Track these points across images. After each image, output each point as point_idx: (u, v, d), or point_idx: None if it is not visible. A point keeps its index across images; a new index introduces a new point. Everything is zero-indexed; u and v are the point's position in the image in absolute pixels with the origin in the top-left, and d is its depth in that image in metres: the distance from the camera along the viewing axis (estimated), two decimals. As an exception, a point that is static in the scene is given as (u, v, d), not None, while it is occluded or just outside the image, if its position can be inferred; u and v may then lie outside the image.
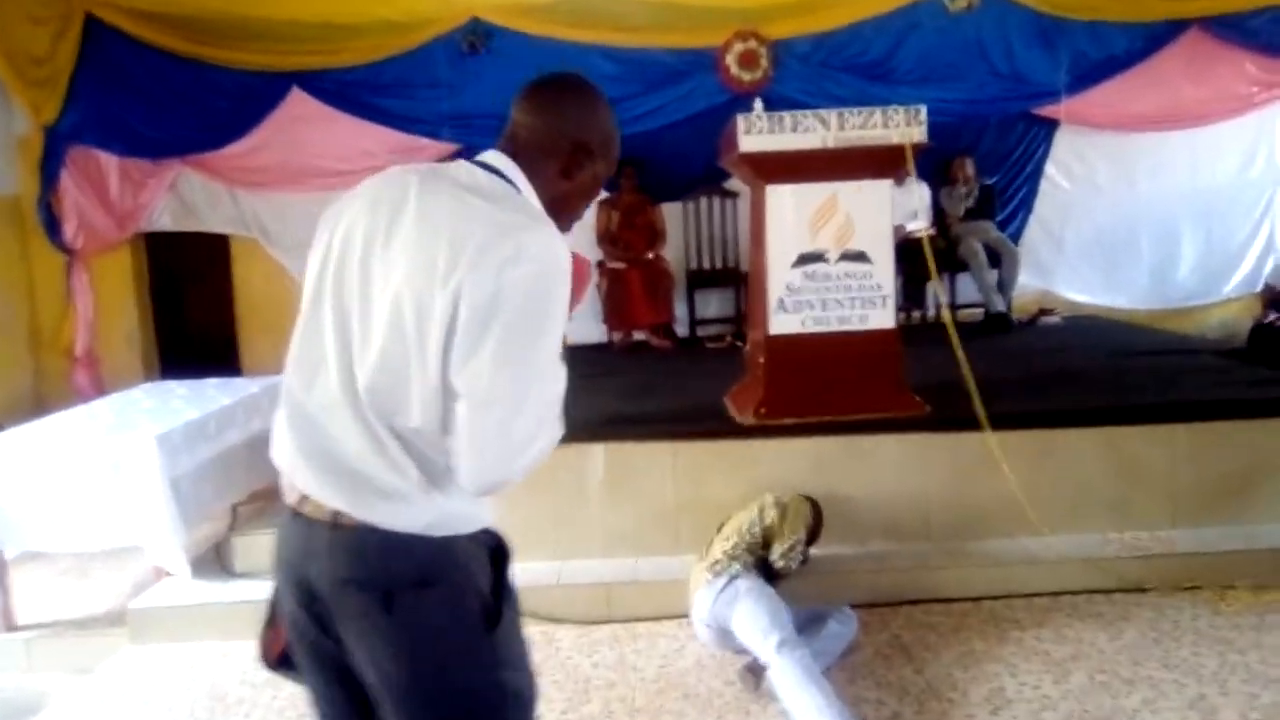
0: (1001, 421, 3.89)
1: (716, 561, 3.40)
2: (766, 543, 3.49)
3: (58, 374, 7.10)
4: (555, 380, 1.49)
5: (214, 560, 4.16)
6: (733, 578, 3.30)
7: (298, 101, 7.03)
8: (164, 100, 6.92)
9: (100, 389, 6.78)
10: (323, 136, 7.10)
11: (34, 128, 6.95)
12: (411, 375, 1.44)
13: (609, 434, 4.09)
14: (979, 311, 6.76)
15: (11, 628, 3.94)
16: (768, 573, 3.43)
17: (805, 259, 4.03)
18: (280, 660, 1.68)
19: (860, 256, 4.03)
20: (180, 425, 4.20)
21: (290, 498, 1.56)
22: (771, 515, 3.53)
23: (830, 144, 3.88)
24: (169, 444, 4.04)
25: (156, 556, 3.91)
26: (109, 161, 7.08)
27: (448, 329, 1.39)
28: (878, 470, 3.99)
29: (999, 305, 6.60)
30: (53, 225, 6.93)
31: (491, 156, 1.57)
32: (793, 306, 4.05)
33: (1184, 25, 6.89)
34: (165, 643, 3.77)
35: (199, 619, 3.79)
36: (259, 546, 4.04)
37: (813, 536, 3.72)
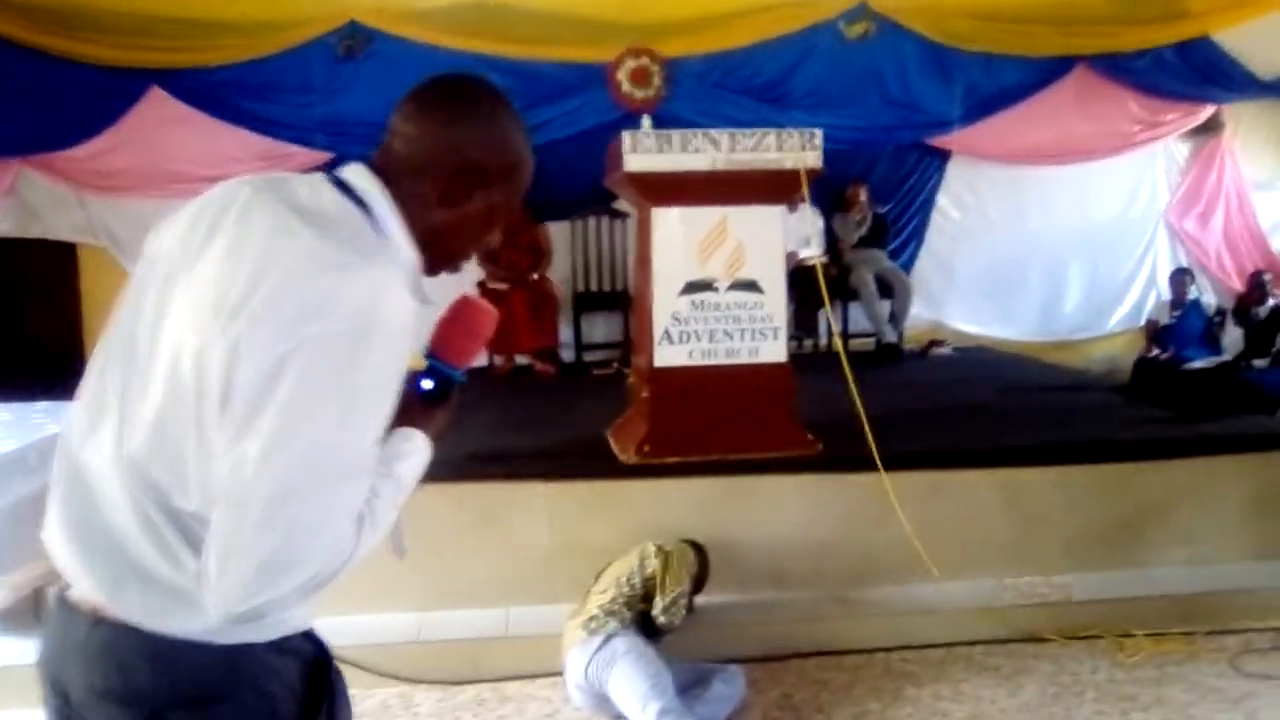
0: (895, 461, 3.69)
1: (592, 618, 3.09)
2: (647, 595, 3.20)
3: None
4: (352, 478, 1.11)
5: (30, 610, 3.66)
6: (609, 636, 3.00)
7: (157, 101, 6.52)
8: (4, 92, 6.31)
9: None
10: (184, 139, 6.59)
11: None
12: (187, 446, 1.13)
13: (476, 472, 3.75)
14: (870, 341, 6.65)
15: None
16: (649, 628, 3.14)
17: (693, 287, 3.78)
18: None
19: (751, 286, 3.80)
20: (-12, 460, 3.71)
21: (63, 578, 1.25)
22: (653, 565, 3.25)
23: (721, 166, 3.64)
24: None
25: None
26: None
27: (222, 394, 1.09)
28: (768, 513, 3.75)
29: (890, 336, 6.50)
30: None
31: (352, 171, 1.26)
32: (679, 337, 3.79)
33: (1073, 62, 6.95)
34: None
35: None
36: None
37: (698, 585, 3.46)
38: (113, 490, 1.18)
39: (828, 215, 6.89)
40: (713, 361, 3.82)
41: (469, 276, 6.70)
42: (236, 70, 6.50)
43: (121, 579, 1.16)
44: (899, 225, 7.17)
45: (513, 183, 1.31)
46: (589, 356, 6.77)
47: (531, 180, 1.34)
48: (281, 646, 1.23)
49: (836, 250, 6.87)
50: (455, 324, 1.34)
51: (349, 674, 3.25)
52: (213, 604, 1.07)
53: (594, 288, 6.92)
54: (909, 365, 6.41)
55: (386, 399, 1.14)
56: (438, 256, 1.28)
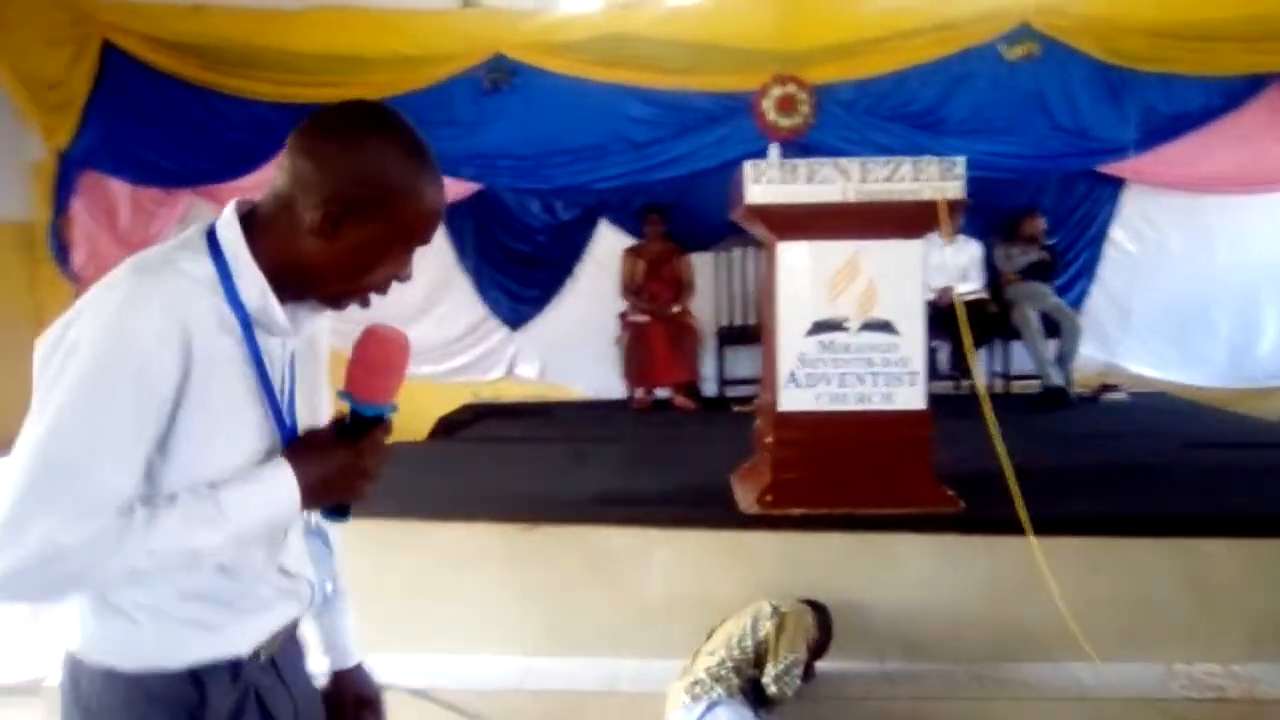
0: (1050, 525, 3.32)
1: (696, 682, 2.88)
2: (759, 660, 2.96)
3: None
4: (74, 473, 1.08)
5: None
6: (712, 704, 2.78)
7: (315, 135, 6.73)
8: (177, 129, 6.68)
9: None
10: (340, 172, 6.79)
11: (47, 153, 6.75)
12: None
13: (595, 515, 3.61)
14: (1037, 384, 6.16)
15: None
16: (759, 697, 2.90)
17: (822, 327, 3.53)
18: None
19: (885, 326, 3.52)
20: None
21: None
22: (766, 627, 3.00)
23: (852, 197, 3.40)
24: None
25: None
26: (121, 189, 6.86)
27: None
28: (900, 575, 3.44)
29: (1057, 379, 6.00)
30: (63, 253, 6.72)
31: (227, 208, 1.25)
32: (806, 380, 3.54)
33: (1263, 81, 6.28)
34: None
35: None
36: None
37: (818, 651, 3.19)
38: None
39: (988, 247, 6.45)
40: (842, 407, 3.55)
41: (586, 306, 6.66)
42: (387, 104, 6.63)
43: None
44: (1068, 259, 6.64)
45: (393, 216, 1.21)
46: (731, 392, 6.55)
47: (435, 216, 1.26)
48: (151, 682, 1.21)
49: (998, 285, 6.41)
50: (358, 359, 1.26)
51: None
52: None
53: (738, 321, 6.70)
54: (1078, 411, 5.89)
55: (128, 402, 1.10)
56: (317, 287, 1.25)
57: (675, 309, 6.38)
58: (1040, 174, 6.57)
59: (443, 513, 3.63)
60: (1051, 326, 6.11)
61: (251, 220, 1.23)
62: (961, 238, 6.23)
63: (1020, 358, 6.34)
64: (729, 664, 2.92)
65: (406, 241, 1.25)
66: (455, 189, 6.79)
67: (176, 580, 1.19)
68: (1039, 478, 3.49)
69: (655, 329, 6.24)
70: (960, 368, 6.26)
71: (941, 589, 3.42)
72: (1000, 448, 3.33)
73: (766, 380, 3.80)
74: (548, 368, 6.94)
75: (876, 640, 3.40)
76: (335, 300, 1.28)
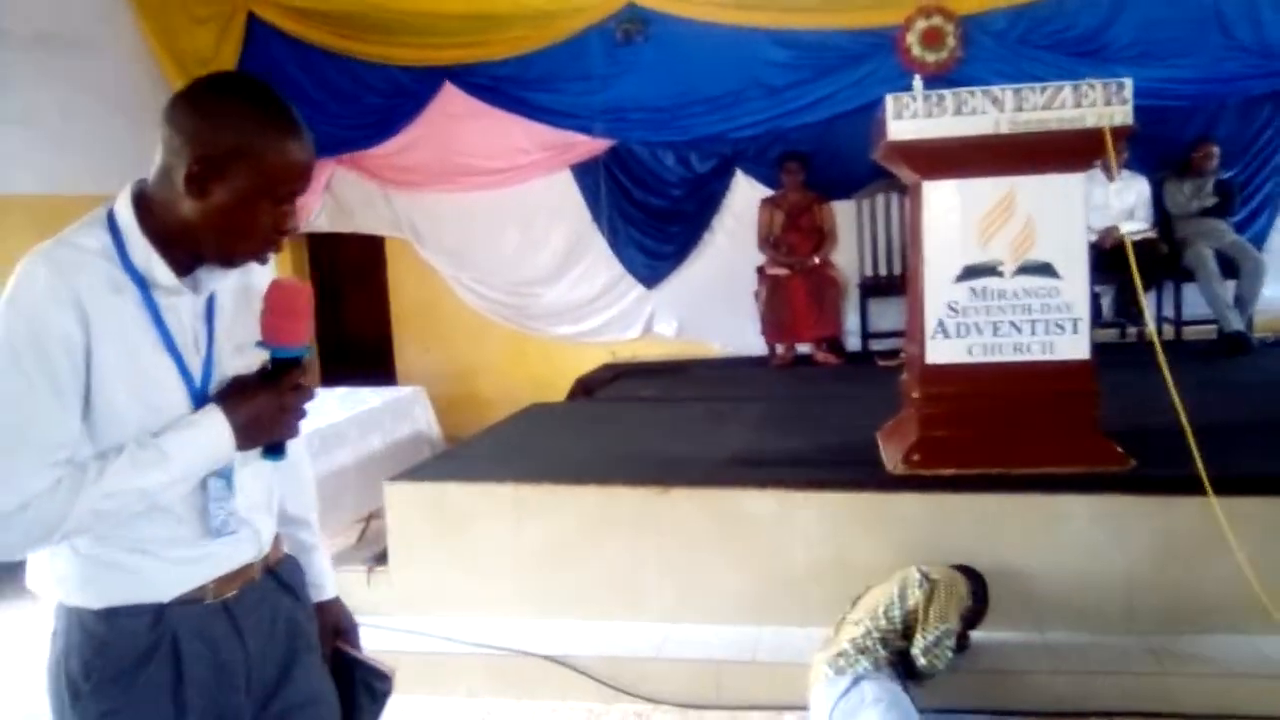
0: (1231, 484, 3.01)
1: (840, 654, 2.72)
2: (908, 631, 2.78)
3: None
4: (8, 433, 1.24)
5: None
6: (858, 678, 2.62)
7: (449, 97, 6.77)
8: (319, 98, 6.80)
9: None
10: (474, 134, 6.81)
11: (199, 130, 7.00)
12: None
13: (733, 476, 3.48)
14: (1213, 329, 5.66)
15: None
16: (908, 670, 2.72)
17: (972, 272, 3.28)
18: None
19: (1044, 269, 3.24)
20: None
21: None
22: (916, 595, 2.82)
23: (1005, 129, 3.11)
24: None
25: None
26: (273, 162, 7.05)
27: None
28: (1063, 539, 3.18)
29: (1236, 323, 5.48)
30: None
31: (125, 188, 1.38)
32: (956, 330, 3.30)
33: None
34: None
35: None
36: (344, 583, 3.65)
37: (972, 621, 2.99)
38: None
39: (1156, 183, 5.93)
40: (996, 358, 3.30)
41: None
42: (520, 62, 6.61)
43: None
44: (1248, 192, 6.04)
45: (253, 170, 1.30)
46: (876, 346, 6.27)
47: (296, 168, 1.34)
48: (79, 617, 1.36)
49: (1168, 225, 5.90)
50: (270, 308, 1.39)
51: (586, 687, 3.01)
52: None
53: (883, 271, 6.39)
54: (1260, 359, 5.38)
55: (40, 365, 1.23)
56: (203, 246, 1.35)
57: (815, 260, 6.13)
58: (1215, 100, 5.96)
59: (577, 476, 3.56)
60: (1229, 266, 5.57)
61: (142, 197, 1.35)
62: (1127, 174, 5.74)
63: (1192, 301, 5.81)
64: (875, 635, 2.75)
65: (272, 193, 1.33)
66: (587, 146, 6.73)
67: (130, 527, 1.32)
68: (1218, 432, 3.18)
69: (795, 282, 6.02)
70: (1126, 314, 5.81)
71: (1110, 554, 3.15)
72: (1176, 399, 3.02)
73: (912, 332, 3.57)
74: (685, 325, 6.81)
75: (1037, 610, 3.17)
76: (225, 256, 1.37)
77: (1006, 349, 3.30)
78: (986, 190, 3.25)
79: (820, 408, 4.69)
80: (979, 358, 3.30)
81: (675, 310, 6.81)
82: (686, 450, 3.93)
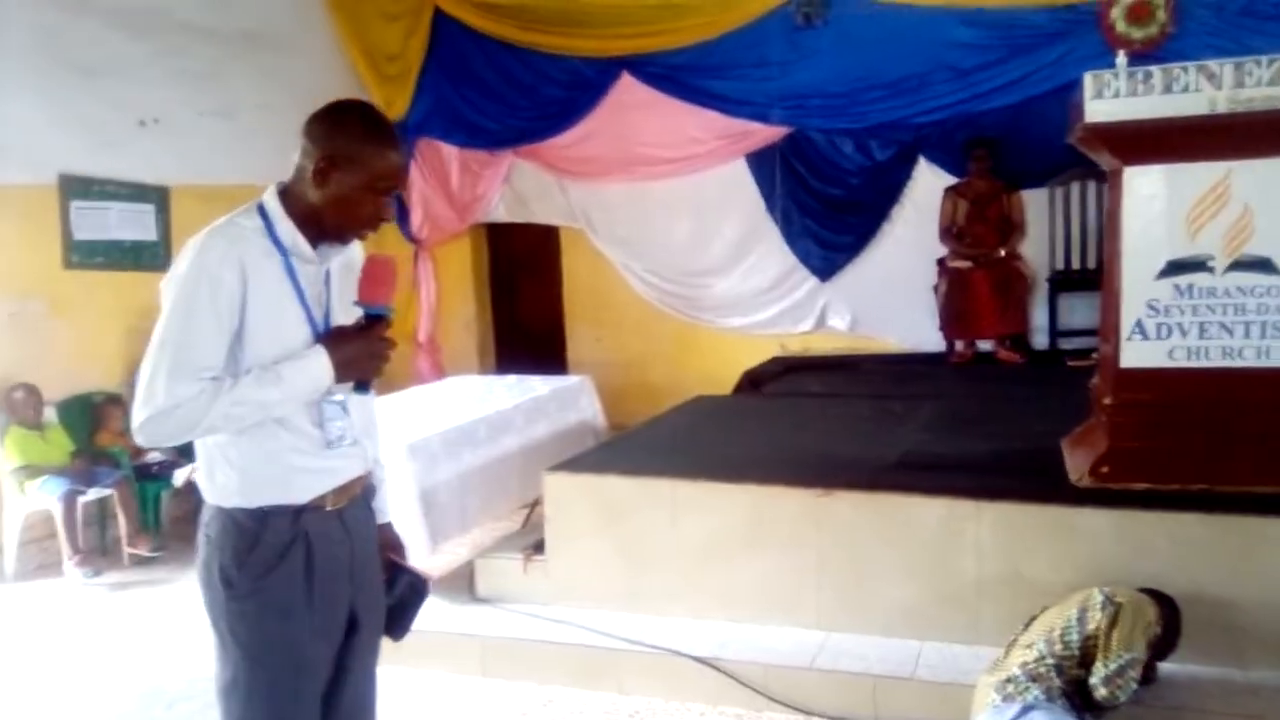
0: None
1: (1010, 679, 2.51)
2: (1086, 658, 2.53)
3: (401, 358, 7.38)
4: (177, 357, 1.64)
5: (464, 580, 3.86)
6: (1027, 708, 2.41)
7: (626, 88, 6.77)
8: (501, 91, 6.96)
9: (440, 374, 6.99)
10: (649, 123, 6.79)
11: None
12: None
13: (901, 481, 3.30)
14: None
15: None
16: (1084, 700, 2.48)
17: (1178, 267, 2.97)
18: None
19: (1263, 265, 2.90)
20: (440, 433, 3.99)
21: None
22: (1097, 619, 2.57)
23: (1221, 107, 2.80)
24: (422, 453, 3.82)
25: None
26: (450, 153, 7.26)
27: None
28: (1273, 566, 2.84)
29: None
30: (402, 216, 7.22)
31: (270, 186, 1.81)
32: (1156, 331, 3.00)
33: None
34: (389, 664, 3.51)
35: (423, 644, 3.49)
36: (502, 571, 3.70)
37: (1162, 651, 2.71)
38: None
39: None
40: (1202, 363, 2.99)
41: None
42: (697, 50, 6.53)
43: None
44: None
45: (360, 170, 1.73)
46: (1066, 344, 5.87)
47: (392, 170, 1.75)
48: (236, 515, 1.75)
49: None
50: (365, 276, 1.81)
51: (736, 692, 2.89)
52: (133, 430, 1.69)
53: (1075, 265, 5.97)
54: None
55: (207, 308, 1.65)
56: (325, 226, 1.77)
57: (1001, 252, 5.79)
58: None
59: (738, 474, 3.46)
60: None
61: (284, 191, 1.79)
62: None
63: None
64: (1049, 660, 2.52)
65: (373, 187, 1.75)
66: (763, 134, 6.59)
67: (263, 440, 1.73)
68: None
69: (978, 275, 5.71)
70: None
71: (1331, 588, 2.79)
72: None
73: (1106, 331, 3.27)
74: (860, 319, 6.58)
75: (1239, 643, 2.84)
76: (341, 234, 1.79)
77: (1214, 353, 2.98)
78: (1198, 176, 2.94)
79: (1000, 410, 4.42)
80: (1181, 362, 3.00)
81: (850, 304, 6.59)
82: (852, 451, 3.76)
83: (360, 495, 1.90)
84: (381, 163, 1.74)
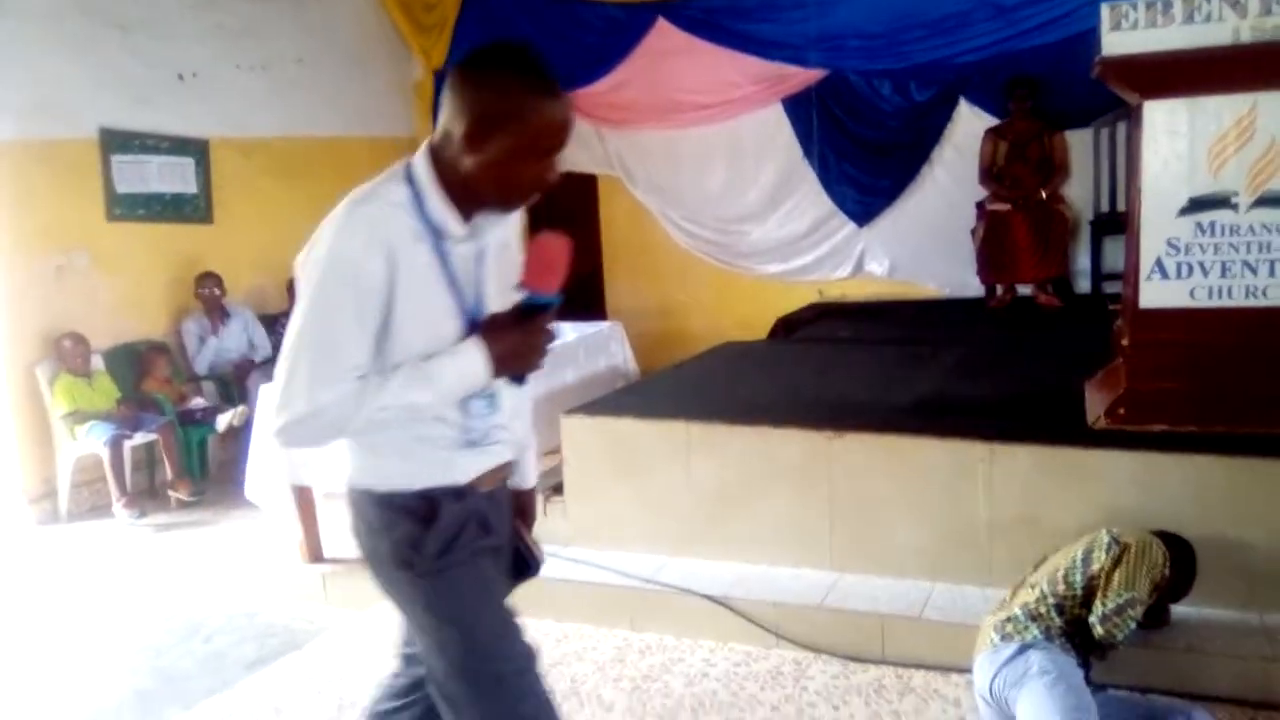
0: None
1: (1010, 618, 2.50)
2: (1088, 599, 2.51)
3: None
4: (326, 348, 1.49)
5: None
6: (1025, 647, 2.40)
7: (661, 33, 6.71)
8: (537, 38, 6.87)
9: (477, 325, 7.06)
10: (685, 69, 6.72)
11: (425, 72, 7.31)
12: None
13: (906, 423, 3.28)
14: None
15: (316, 560, 4.03)
16: (1084, 641, 2.47)
17: (1200, 204, 2.89)
18: None
19: (1289, 201, 2.80)
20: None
21: None
22: (1101, 559, 2.54)
23: (1248, 37, 2.70)
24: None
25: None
26: (486, 103, 7.25)
27: None
28: (1295, 510, 2.78)
29: None
30: (441, 166, 7.26)
31: (422, 146, 1.59)
32: (1176, 271, 2.93)
33: None
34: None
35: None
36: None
37: (1175, 594, 2.69)
38: None
39: None
40: (1224, 303, 2.92)
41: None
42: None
43: None
44: None
45: (520, 128, 1.48)
46: (1109, 288, 5.73)
47: (556, 125, 1.50)
48: (386, 499, 1.63)
49: None
50: (533, 259, 1.57)
51: (746, 630, 2.91)
52: (271, 433, 1.54)
53: (1120, 207, 5.80)
54: None
55: (350, 302, 1.48)
56: (482, 196, 1.56)
57: (1042, 195, 5.65)
58: None
59: (751, 416, 3.46)
60: None
61: (435, 158, 1.55)
62: None
63: None
64: (1051, 600, 2.51)
65: (535, 147, 1.51)
66: (800, 78, 6.48)
67: (411, 428, 1.58)
68: None
69: (1018, 218, 5.58)
70: None
71: (1352, 531, 2.73)
72: None
73: (1127, 273, 3.20)
74: (898, 265, 6.50)
75: (1257, 588, 2.81)
76: (501, 204, 1.58)
77: (1237, 292, 2.90)
78: (1221, 109, 2.84)
79: (1031, 354, 4.35)
80: (1202, 302, 2.93)
81: (888, 249, 6.50)
82: (871, 394, 3.75)
83: (504, 473, 1.76)
84: (544, 118, 1.49)
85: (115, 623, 3.78)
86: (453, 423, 1.61)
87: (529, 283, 1.57)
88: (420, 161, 1.55)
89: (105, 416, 4.87)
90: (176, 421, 5.07)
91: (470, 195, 1.55)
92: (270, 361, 5.58)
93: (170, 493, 4.97)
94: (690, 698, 2.85)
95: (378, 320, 1.50)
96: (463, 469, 1.64)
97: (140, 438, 4.94)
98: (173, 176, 5.69)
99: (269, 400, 1.55)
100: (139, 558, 4.40)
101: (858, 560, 3.24)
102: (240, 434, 5.00)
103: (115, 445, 4.77)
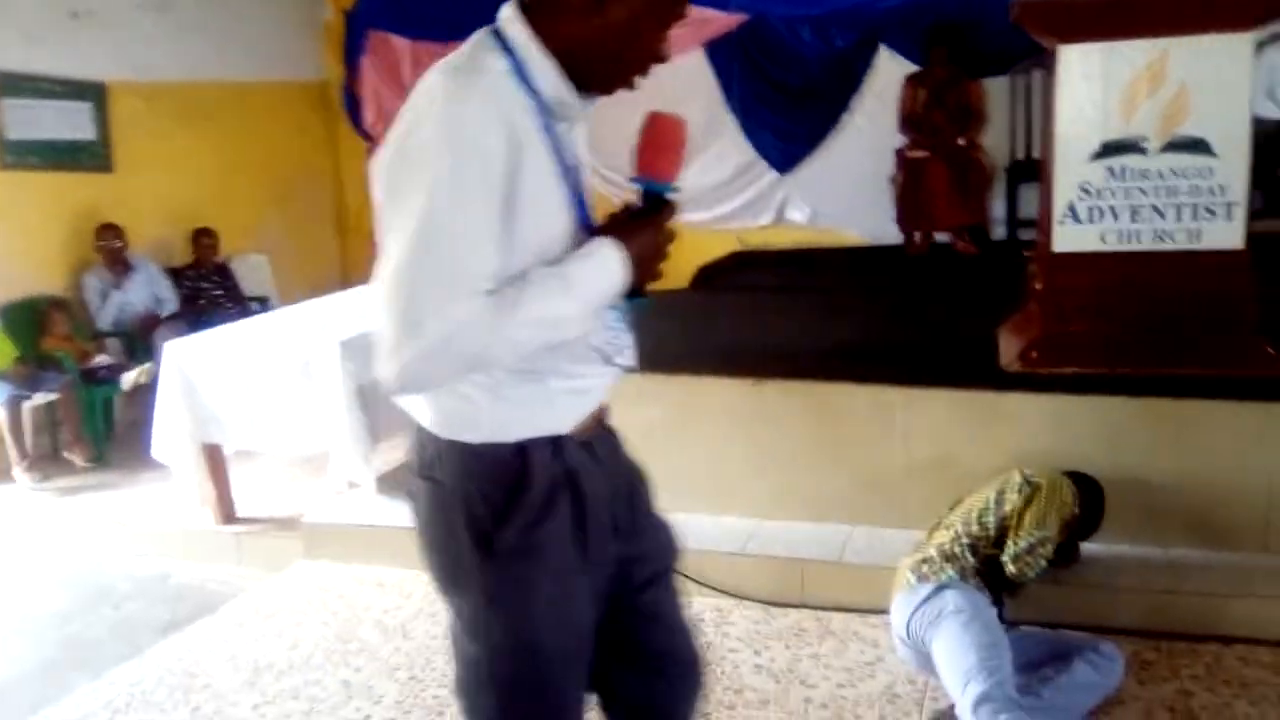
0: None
1: (925, 560, 2.54)
2: (1001, 539, 2.56)
3: (363, 257, 7.29)
4: (456, 254, 1.18)
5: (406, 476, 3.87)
6: (940, 587, 2.44)
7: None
8: (444, -9, 6.69)
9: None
10: (605, 14, 6.57)
11: (335, 11, 7.05)
12: None
13: (827, 370, 3.28)
14: None
15: (229, 520, 3.93)
16: (997, 580, 2.52)
17: (1112, 149, 2.92)
18: None
19: (1197, 145, 2.85)
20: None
21: None
22: (1014, 500, 2.59)
23: (1159, -19, 2.72)
24: (359, 350, 3.77)
25: (341, 467, 3.69)
26: (403, 46, 7.00)
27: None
28: (1198, 448, 2.87)
29: None
30: (355, 110, 7.04)
31: (503, 10, 1.31)
32: (1088, 215, 2.97)
33: None
34: (333, 561, 3.56)
35: (362, 539, 3.53)
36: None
37: (1084, 531, 2.76)
38: None
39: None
40: (1134, 246, 2.96)
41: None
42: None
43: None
44: None
45: None
46: (1025, 235, 5.81)
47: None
48: (487, 453, 1.33)
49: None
50: (648, 141, 1.35)
51: None
52: (383, 378, 1.21)
53: (1036, 154, 5.87)
54: None
55: (478, 188, 1.19)
56: (593, 70, 1.30)
57: (960, 142, 5.68)
58: None
59: (671, 366, 3.43)
60: None
61: (527, 18, 1.28)
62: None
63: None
64: (964, 541, 2.56)
65: (659, 15, 1.29)
66: (720, 22, 6.38)
67: (509, 359, 1.27)
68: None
69: (936, 165, 5.61)
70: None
71: (1250, 466, 2.83)
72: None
73: (1042, 217, 3.24)
74: (820, 213, 6.49)
75: (1161, 524, 2.90)
76: (612, 82, 1.34)
77: (1146, 236, 2.95)
78: (1133, 54, 2.86)
79: (948, 300, 4.39)
80: (1112, 246, 2.97)
81: (809, 197, 6.49)
82: (793, 342, 3.74)
83: (603, 416, 1.49)
84: None
85: (18, 591, 3.64)
86: (578, 348, 1.34)
87: (647, 170, 1.34)
88: (514, 26, 1.28)
89: (2, 376, 4.66)
90: (79, 380, 4.87)
91: (576, 70, 1.29)
92: (178, 316, 5.39)
93: (66, 454, 4.79)
94: (613, 647, 2.85)
95: (502, 214, 1.21)
96: (565, 409, 1.36)
97: (40, 398, 4.74)
98: (68, 122, 5.41)
99: (379, 341, 1.19)
100: (42, 523, 4.24)
101: (779, 507, 3.26)
102: (147, 392, 4.82)
103: (13, 406, 4.58)
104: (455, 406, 1.32)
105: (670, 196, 1.36)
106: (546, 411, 1.34)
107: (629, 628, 1.53)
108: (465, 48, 1.29)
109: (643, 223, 1.34)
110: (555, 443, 1.35)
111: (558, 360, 1.32)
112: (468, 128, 1.18)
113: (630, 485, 1.54)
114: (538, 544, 1.34)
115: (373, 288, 1.22)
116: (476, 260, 1.19)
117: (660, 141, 1.35)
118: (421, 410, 1.37)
